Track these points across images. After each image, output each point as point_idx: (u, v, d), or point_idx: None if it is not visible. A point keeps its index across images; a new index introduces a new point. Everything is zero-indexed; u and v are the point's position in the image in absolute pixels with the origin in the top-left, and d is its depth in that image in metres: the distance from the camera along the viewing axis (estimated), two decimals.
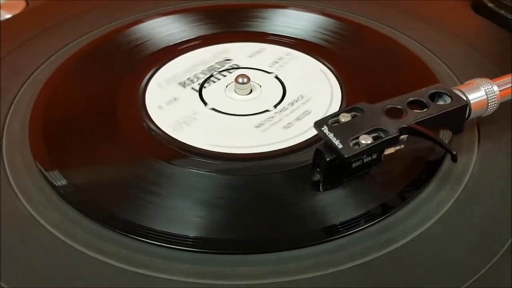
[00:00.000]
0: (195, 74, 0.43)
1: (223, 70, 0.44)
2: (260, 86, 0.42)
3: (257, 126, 0.39)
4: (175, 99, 0.41)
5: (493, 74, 0.38)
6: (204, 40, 0.47)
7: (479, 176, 0.35)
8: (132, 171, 0.35)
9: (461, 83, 0.38)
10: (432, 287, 0.29)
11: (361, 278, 0.30)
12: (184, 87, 0.42)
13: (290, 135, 0.38)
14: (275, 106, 0.40)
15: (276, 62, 0.45)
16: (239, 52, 0.46)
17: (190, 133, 0.38)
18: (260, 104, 0.40)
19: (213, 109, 0.40)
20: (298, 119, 0.39)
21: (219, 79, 0.43)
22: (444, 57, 0.46)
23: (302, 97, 0.41)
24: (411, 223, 0.32)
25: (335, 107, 0.40)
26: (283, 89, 0.42)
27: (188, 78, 0.43)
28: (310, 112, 0.40)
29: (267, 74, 0.43)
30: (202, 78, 0.43)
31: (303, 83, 0.42)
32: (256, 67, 0.44)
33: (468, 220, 0.33)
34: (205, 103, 0.41)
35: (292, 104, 0.40)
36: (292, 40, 0.47)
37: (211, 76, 0.43)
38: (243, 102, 0.41)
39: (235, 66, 0.44)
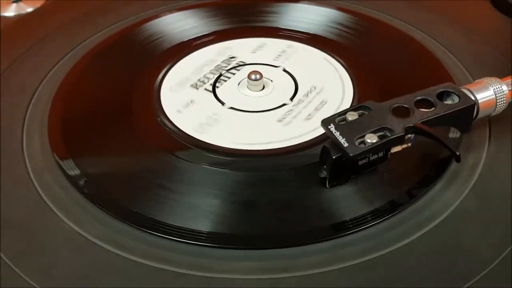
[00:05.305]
0: (205, 75, 0.43)
1: (231, 68, 0.44)
2: (272, 81, 0.42)
3: (280, 121, 0.39)
4: (191, 101, 0.41)
5: (509, 73, 0.37)
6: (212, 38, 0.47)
7: (488, 175, 0.35)
8: (144, 165, 0.36)
9: (475, 80, 0.38)
10: (436, 285, 0.30)
11: (369, 275, 0.30)
12: (197, 88, 0.42)
13: (313, 126, 0.38)
14: (291, 99, 0.41)
15: (280, 56, 0.45)
16: (242, 48, 0.46)
17: (209, 131, 0.38)
18: (276, 98, 0.41)
19: (231, 107, 0.40)
20: (316, 109, 0.40)
21: (229, 78, 0.43)
22: (459, 54, 0.45)
23: (314, 88, 0.41)
24: (418, 220, 0.33)
25: (347, 99, 0.40)
26: (294, 82, 0.42)
27: (199, 79, 0.43)
28: (326, 102, 0.40)
29: (274, 68, 0.44)
30: (212, 78, 0.43)
31: (312, 74, 0.43)
32: (262, 62, 0.44)
33: (474, 220, 0.33)
34: (222, 103, 0.41)
35: (307, 95, 0.41)
36: (303, 35, 0.47)
37: (221, 75, 0.43)
38: (258, 98, 0.41)
39: (241, 63, 0.44)
